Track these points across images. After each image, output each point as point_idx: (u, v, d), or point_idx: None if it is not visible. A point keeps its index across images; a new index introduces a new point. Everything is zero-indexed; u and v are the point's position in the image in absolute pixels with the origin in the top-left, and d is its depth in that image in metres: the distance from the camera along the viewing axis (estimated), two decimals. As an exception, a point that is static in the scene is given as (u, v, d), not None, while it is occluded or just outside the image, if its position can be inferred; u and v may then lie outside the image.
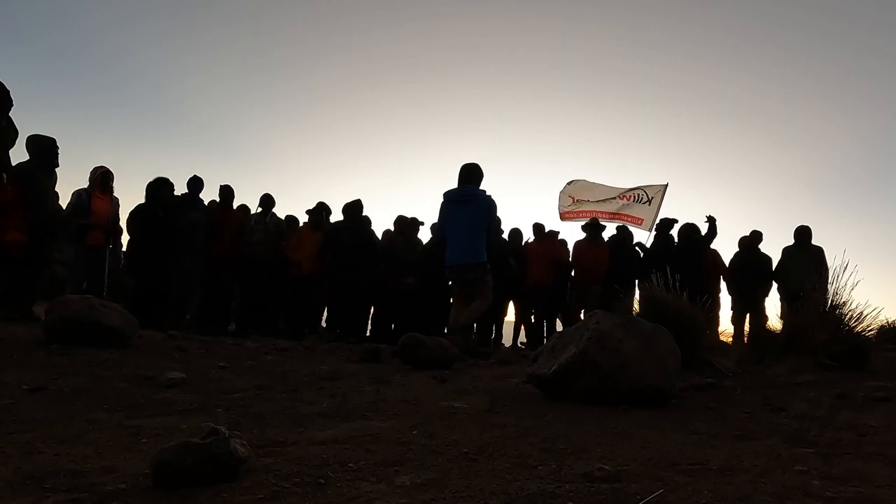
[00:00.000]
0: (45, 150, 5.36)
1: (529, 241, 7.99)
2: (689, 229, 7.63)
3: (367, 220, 7.65)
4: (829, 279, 4.44)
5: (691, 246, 7.47)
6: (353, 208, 7.38)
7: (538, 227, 8.00)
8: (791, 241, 7.86)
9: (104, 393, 2.62)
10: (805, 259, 7.35)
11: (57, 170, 5.61)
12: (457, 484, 1.50)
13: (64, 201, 6.14)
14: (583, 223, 8.08)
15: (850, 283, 4.31)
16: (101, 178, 6.19)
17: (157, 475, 1.42)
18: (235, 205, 7.62)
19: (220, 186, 7.30)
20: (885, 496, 1.48)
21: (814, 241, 7.75)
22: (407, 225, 7.89)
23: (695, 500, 1.42)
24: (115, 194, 6.39)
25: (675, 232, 7.81)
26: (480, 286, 5.21)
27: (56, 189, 5.71)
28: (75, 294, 4.36)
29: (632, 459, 1.78)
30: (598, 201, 8.42)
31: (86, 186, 6.16)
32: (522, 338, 8.11)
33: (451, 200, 5.10)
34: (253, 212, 7.72)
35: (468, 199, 5.06)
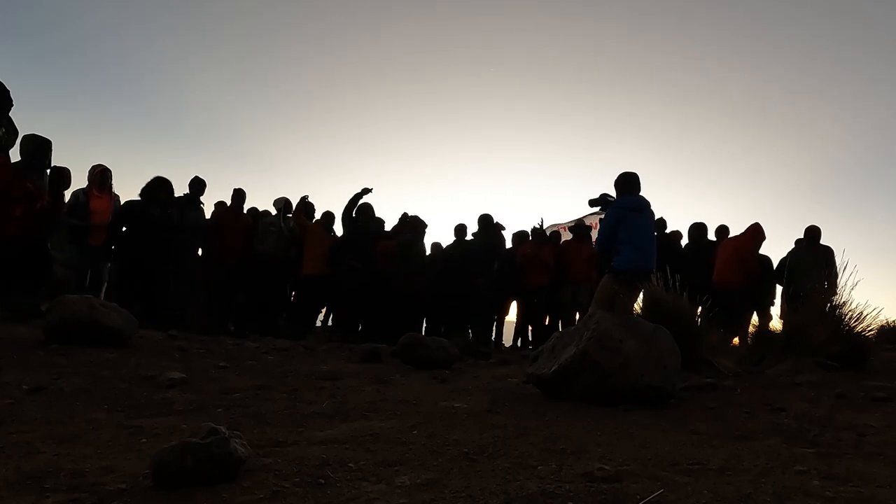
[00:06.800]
0: (35, 150, 5.33)
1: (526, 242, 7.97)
2: (699, 228, 7.66)
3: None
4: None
5: (700, 246, 7.49)
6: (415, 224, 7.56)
7: (536, 233, 7.98)
8: (793, 242, 7.82)
9: (104, 393, 2.62)
10: (810, 259, 7.32)
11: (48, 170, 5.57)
12: (457, 484, 1.51)
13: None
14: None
15: (850, 283, 4.31)
16: (100, 177, 6.15)
17: (157, 475, 1.42)
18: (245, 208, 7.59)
19: (234, 190, 7.31)
20: (885, 496, 1.49)
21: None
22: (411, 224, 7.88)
23: (695, 500, 1.42)
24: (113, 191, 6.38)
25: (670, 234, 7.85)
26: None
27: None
28: (76, 294, 4.34)
29: (632, 459, 1.78)
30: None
31: (84, 187, 6.14)
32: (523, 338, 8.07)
33: (630, 208, 5.26)
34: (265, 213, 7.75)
35: (644, 207, 5.29)
